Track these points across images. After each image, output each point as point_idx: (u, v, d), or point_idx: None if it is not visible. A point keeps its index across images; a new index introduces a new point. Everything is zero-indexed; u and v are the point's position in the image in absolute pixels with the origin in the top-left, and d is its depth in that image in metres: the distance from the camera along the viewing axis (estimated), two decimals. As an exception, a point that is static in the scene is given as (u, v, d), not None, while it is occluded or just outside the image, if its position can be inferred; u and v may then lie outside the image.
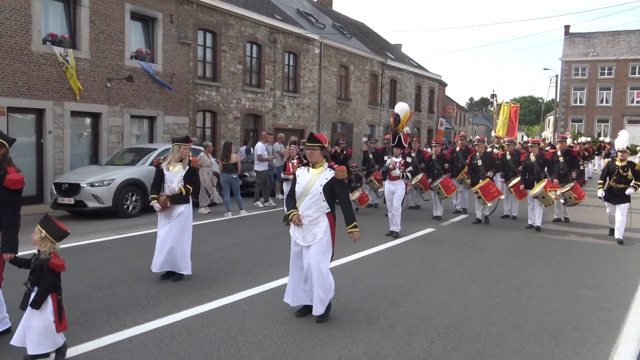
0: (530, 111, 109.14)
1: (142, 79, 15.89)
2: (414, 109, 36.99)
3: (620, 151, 9.52)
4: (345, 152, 14.66)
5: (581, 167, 19.32)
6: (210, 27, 19.26)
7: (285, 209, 5.47)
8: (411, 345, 4.66)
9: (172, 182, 6.55)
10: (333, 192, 5.09)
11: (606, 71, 48.82)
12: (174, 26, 16.96)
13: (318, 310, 5.12)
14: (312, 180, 5.09)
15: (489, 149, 15.84)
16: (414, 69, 37.17)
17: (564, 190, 11.10)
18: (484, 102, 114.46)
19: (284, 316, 5.30)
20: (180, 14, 17.45)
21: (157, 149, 13.24)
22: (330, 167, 5.18)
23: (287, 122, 23.73)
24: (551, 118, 57.13)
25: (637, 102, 47.91)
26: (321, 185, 5.04)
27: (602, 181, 9.68)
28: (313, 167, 5.18)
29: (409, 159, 10.18)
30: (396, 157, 9.82)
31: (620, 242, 9.32)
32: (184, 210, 6.58)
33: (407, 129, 20.72)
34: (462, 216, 12.65)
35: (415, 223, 11.24)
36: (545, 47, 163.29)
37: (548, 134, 51.67)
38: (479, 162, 11.57)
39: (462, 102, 71.10)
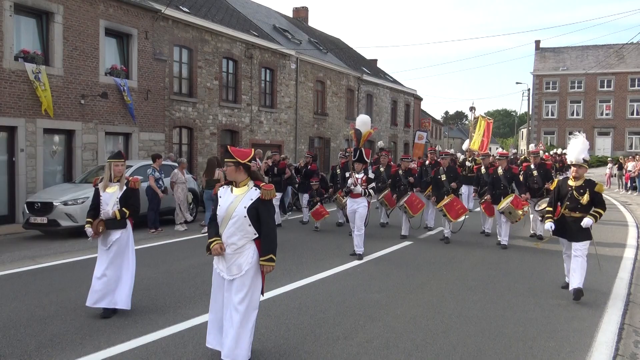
0: (504, 124, 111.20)
1: (117, 95, 15.75)
2: (391, 123, 37.37)
3: (574, 165, 6.68)
4: (309, 166, 13.84)
5: (554, 178, 19.78)
6: (186, 43, 19.23)
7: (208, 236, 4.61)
8: (389, 359, 4.66)
9: (107, 205, 5.88)
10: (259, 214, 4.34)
11: (576, 85, 50.05)
12: (149, 42, 16.90)
13: (229, 356, 4.28)
14: (235, 201, 4.32)
15: (467, 163, 15.98)
16: (389, 83, 37.61)
17: (540, 207, 10.53)
18: (459, 116, 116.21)
19: (261, 333, 5.26)
20: (155, 30, 17.40)
21: (132, 166, 13.09)
22: (256, 185, 4.40)
23: (265, 137, 23.73)
24: (524, 130, 58.22)
25: (607, 114, 49.16)
26: (245, 207, 4.27)
27: (550, 208, 6.94)
28: (236, 186, 4.42)
29: (371, 175, 9.52)
30: (358, 172, 9.20)
31: (577, 296, 6.45)
32: (120, 236, 5.88)
33: (381, 143, 20.74)
34: (436, 231, 12.38)
35: (391, 238, 11.31)
36: (518, 62, 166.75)
37: (522, 146, 52.61)
38: (443, 177, 10.98)
39: (438, 115, 71.98)
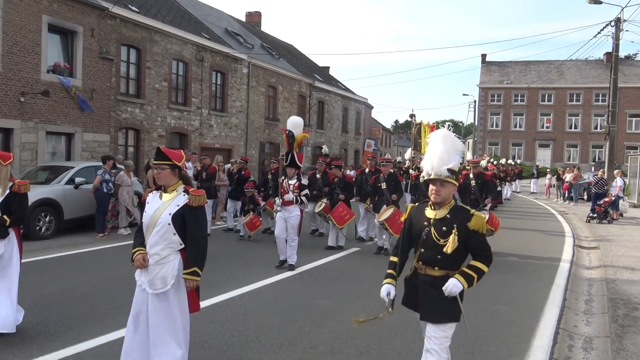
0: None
1: (60, 94, 15.17)
2: (342, 131, 37.69)
3: (432, 182, 3.60)
4: (243, 172, 12.99)
5: (498, 188, 20.41)
6: (135, 43, 18.77)
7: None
8: (333, 365, 4.65)
9: None
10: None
11: (519, 98, 52.09)
12: (95, 40, 16.38)
13: None
14: (160, 208, 3.93)
15: (411, 171, 16.15)
16: (341, 91, 37.97)
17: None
18: (409, 125, 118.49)
19: (204, 340, 5.15)
20: (102, 29, 16.90)
21: (74, 167, 12.62)
22: (185, 191, 4.01)
23: (214, 141, 23.43)
24: (470, 141, 60.01)
25: (547, 127, 51.36)
26: (170, 214, 3.88)
27: (394, 257, 4.07)
28: (165, 191, 4.02)
29: (304, 181, 8.98)
30: (290, 178, 8.68)
31: None
32: (3, 251, 5.16)
33: (325, 149, 20.65)
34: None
35: (350, 241, 11.33)
36: (465, 74, 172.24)
37: (468, 156, 54.17)
38: (383, 185, 10.30)
39: (388, 124, 73.27)
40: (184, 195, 3.98)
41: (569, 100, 50.54)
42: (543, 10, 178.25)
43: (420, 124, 16.13)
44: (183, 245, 3.94)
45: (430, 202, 3.65)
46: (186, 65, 21.51)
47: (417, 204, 3.85)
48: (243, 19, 35.45)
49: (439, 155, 3.53)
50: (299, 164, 8.79)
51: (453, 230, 3.50)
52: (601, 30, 24.09)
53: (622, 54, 40.70)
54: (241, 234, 11.82)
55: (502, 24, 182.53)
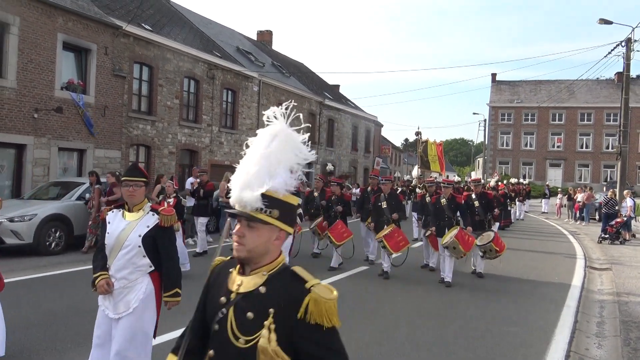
0: (461, 153, 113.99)
1: (73, 110, 15.37)
2: (351, 149, 37.74)
3: (238, 218, 1.91)
4: None
5: (508, 208, 20.24)
6: (147, 61, 19.03)
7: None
8: (340, 386, 4.60)
9: None
10: (156, 243, 3.71)
11: (529, 117, 51.98)
12: (108, 58, 16.63)
13: None
14: (127, 229, 3.65)
15: (418, 190, 16.09)
16: (351, 109, 38.11)
17: (483, 242, 9.76)
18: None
19: None
20: (116, 47, 17.16)
21: (84, 183, 12.72)
22: (153, 210, 3.75)
23: (224, 158, 23.55)
24: (480, 160, 59.83)
25: (558, 146, 51.13)
26: (140, 235, 3.63)
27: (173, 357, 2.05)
28: (130, 210, 3.75)
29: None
30: None
31: None
32: None
33: (330, 166, 20.34)
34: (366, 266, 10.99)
35: (346, 262, 11.26)
36: (475, 93, 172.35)
37: (478, 174, 53.94)
38: (384, 204, 9.97)
39: (398, 142, 73.36)
40: (153, 214, 3.72)
41: (580, 120, 50.36)
42: (554, 30, 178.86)
43: (426, 141, 16.06)
44: (152, 268, 3.69)
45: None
46: (197, 83, 21.74)
47: (228, 257, 2.08)
48: (254, 37, 35.85)
49: (250, 170, 2.00)
50: None
51: (266, 322, 1.76)
52: (612, 50, 24.03)
53: (633, 73, 40.60)
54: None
55: (512, 44, 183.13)
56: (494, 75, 55.05)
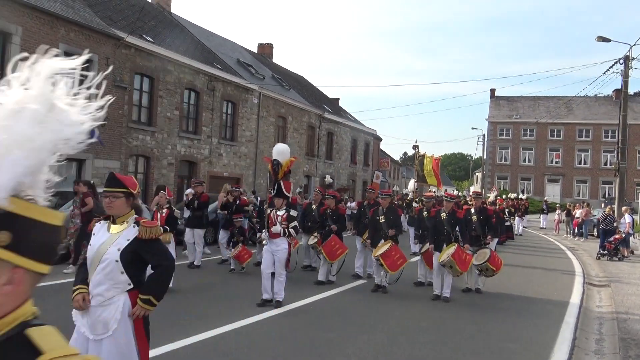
0: (460, 167, 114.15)
1: (73, 120, 15.40)
2: (350, 162, 37.80)
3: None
4: (239, 201, 12.37)
5: (507, 223, 20.21)
6: (148, 72, 19.11)
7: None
8: (337, 401, 4.56)
9: None
10: (140, 258, 3.44)
11: (528, 133, 52.17)
12: (109, 69, 16.67)
13: None
14: (107, 241, 3.41)
15: (414, 204, 16.01)
16: (350, 122, 38.24)
17: (479, 262, 9.50)
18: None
19: (207, 371, 5.08)
20: (117, 57, 17.23)
21: (83, 193, 12.69)
22: (136, 222, 3.49)
23: (223, 169, 23.56)
24: (479, 174, 59.92)
25: (556, 162, 51.26)
26: (119, 249, 3.36)
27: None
28: (114, 222, 3.53)
29: (293, 212, 8.22)
30: (279, 209, 8.09)
31: None
32: None
33: (328, 178, 20.30)
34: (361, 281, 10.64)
35: (345, 276, 11.20)
36: (473, 108, 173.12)
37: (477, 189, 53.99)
38: (382, 219, 9.61)
39: (396, 156, 73.53)
40: (135, 227, 3.45)
41: (578, 136, 50.55)
42: (552, 47, 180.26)
43: (423, 155, 16.06)
44: (132, 286, 3.40)
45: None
46: (198, 95, 21.81)
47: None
48: (255, 50, 36.04)
49: None
50: (287, 193, 8.18)
51: None
52: (610, 67, 24.23)
53: (631, 90, 40.74)
54: (232, 267, 11.19)
55: (511, 60, 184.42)
56: (492, 90, 55.31)
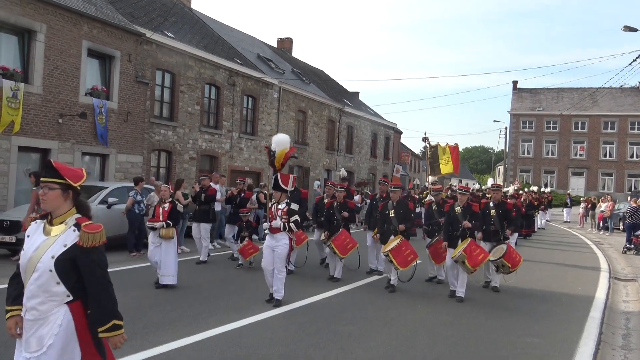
0: (481, 161, 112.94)
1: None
2: (370, 155, 37.66)
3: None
4: (243, 194, 12.17)
5: (532, 217, 19.94)
6: (169, 68, 19.27)
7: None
8: (359, 394, 4.57)
9: None
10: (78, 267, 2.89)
11: (551, 125, 51.34)
12: (131, 65, 16.88)
13: None
14: (42, 247, 2.87)
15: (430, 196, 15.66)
16: (370, 116, 38.07)
17: (495, 257, 9.12)
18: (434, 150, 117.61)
19: (230, 363, 5.13)
20: (139, 54, 17.41)
21: (107, 187, 12.91)
22: (77, 224, 2.92)
23: (244, 164, 23.68)
24: (501, 168, 59.20)
25: (580, 155, 50.38)
26: (53, 256, 2.83)
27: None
28: (51, 222, 2.96)
29: (294, 206, 7.82)
30: (279, 202, 7.79)
31: None
32: None
33: (343, 172, 19.88)
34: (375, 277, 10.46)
35: (360, 273, 11.17)
36: (495, 100, 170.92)
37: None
38: (391, 213, 9.22)
39: (417, 150, 72.97)
40: (75, 230, 2.89)
41: (604, 128, 49.58)
42: (577, 38, 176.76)
43: (436, 145, 15.79)
44: (71, 297, 2.88)
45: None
46: (218, 90, 21.93)
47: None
48: (275, 44, 36.07)
49: None
50: (284, 186, 7.80)
51: None
52: (636, 57, 23.65)
53: (658, 81, 39.78)
54: (240, 262, 10.92)
55: (534, 51, 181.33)
56: (515, 82, 54.52)
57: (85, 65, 15.37)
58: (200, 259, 11.24)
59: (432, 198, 11.37)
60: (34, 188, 10.60)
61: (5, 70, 13.26)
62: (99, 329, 2.88)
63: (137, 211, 12.07)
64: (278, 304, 7.57)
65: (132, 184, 12.83)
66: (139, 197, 12.15)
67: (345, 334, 6.34)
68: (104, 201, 12.38)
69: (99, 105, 15.58)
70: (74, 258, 2.85)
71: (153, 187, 13.39)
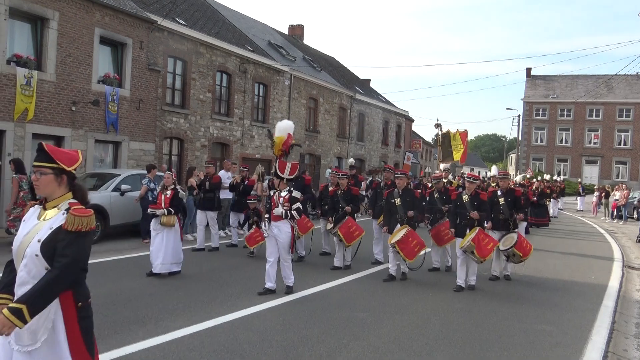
0: (493, 149, 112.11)
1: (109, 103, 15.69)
2: (382, 143, 37.52)
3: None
4: (246, 181, 11.97)
5: (545, 206, 19.76)
6: (181, 55, 19.27)
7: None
8: (372, 380, 4.59)
9: None
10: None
11: (565, 113, 50.74)
12: (143, 52, 16.90)
13: None
14: (32, 231, 2.81)
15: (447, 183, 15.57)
16: (382, 103, 37.86)
17: (505, 247, 9.00)
18: (446, 137, 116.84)
19: (243, 348, 5.18)
20: (150, 41, 17.42)
21: (120, 175, 13.00)
22: (69, 207, 2.83)
23: (255, 151, 23.71)
24: (513, 156, 58.75)
25: (594, 143, 49.80)
26: (39, 240, 2.74)
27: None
28: (45, 206, 2.90)
29: (296, 194, 7.70)
30: (282, 190, 7.63)
31: None
32: None
33: (351, 161, 19.70)
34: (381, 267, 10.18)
35: (365, 263, 11.15)
36: (508, 88, 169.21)
37: (511, 171, 52.90)
38: (397, 202, 8.93)
39: (429, 137, 72.57)
40: (64, 214, 2.80)
41: (619, 116, 48.90)
42: (592, 24, 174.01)
43: (447, 132, 15.67)
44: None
45: None
46: (230, 77, 21.92)
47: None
48: (286, 31, 35.90)
49: None
50: (280, 173, 7.61)
51: None
52: (654, 43, 23.21)
53: (675, 68, 39.08)
54: (251, 250, 10.64)
55: (548, 38, 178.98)
56: (528, 69, 53.92)
57: (98, 52, 15.41)
58: (213, 245, 11.28)
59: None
60: (14, 175, 10.64)
61: (19, 58, 13.34)
62: (10, 304, 2.65)
63: (150, 198, 12.14)
64: (289, 290, 7.54)
65: (145, 172, 12.91)
66: (152, 185, 12.24)
67: (358, 320, 6.37)
68: (117, 188, 12.48)
69: (112, 93, 15.65)
70: (57, 240, 2.72)
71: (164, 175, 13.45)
